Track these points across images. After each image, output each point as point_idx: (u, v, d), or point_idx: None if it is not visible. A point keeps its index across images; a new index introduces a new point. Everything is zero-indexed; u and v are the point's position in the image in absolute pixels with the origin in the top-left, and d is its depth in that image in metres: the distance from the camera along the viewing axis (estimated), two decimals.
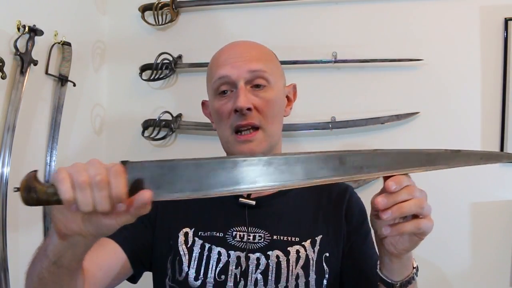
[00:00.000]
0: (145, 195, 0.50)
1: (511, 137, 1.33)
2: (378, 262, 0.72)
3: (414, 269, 0.70)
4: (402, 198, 0.58)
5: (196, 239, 0.84)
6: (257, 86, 0.82)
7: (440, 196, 1.37)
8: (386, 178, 0.59)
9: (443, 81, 1.39)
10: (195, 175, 0.52)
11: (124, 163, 0.51)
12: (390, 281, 0.68)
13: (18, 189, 0.50)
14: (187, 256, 0.83)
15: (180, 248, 0.84)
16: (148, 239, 0.87)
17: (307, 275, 0.79)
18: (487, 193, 1.35)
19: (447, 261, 1.36)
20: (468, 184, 1.36)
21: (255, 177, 0.52)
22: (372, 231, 0.80)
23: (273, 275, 0.79)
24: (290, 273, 0.79)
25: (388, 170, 0.57)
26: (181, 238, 0.84)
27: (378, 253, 0.71)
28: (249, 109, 0.79)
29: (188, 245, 0.84)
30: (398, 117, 1.39)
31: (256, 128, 0.81)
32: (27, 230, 1.26)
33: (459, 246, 1.36)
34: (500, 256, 1.33)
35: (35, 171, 0.52)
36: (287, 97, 0.92)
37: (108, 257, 0.80)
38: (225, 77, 0.82)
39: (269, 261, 0.80)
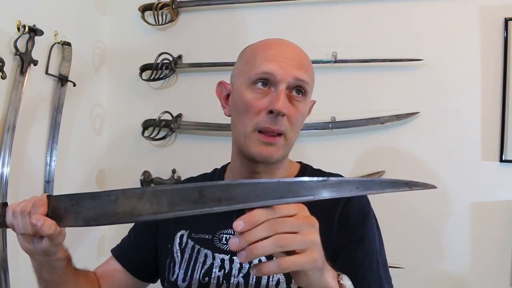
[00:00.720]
0: (46, 226, 0.60)
1: (511, 137, 1.33)
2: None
3: (340, 275, 0.61)
4: (257, 237, 0.50)
5: (189, 240, 0.85)
6: (297, 92, 0.80)
7: (440, 196, 1.37)
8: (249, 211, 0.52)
9: (443, 81, 1.39)
10: (92, 206, 0.58)
11: (48, 196, 0.62)
12: None
13: None
14: (179, 258, 0.84)
15: (175, 250, 0.85)
16: (150, 249, 0.90)
17: (288, 281, 0.77)
18: (487, 193, 1.35)
19: (447, 261, 1.36)
20: (468, 184, 1.35)
21: (133, 206, 0.56)
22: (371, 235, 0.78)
23: (254, 280, 0.77)
24: (271, 279, 0.77)
25: (247, 202, 0.52)
26: (177, 241, 0.86)
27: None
28: (283, 114, 0.76)
29: (182, 247, 0.85)
30: (398, 117, 1.39)
31: (280, 134, 0.79)
32: None
33: (459, 246, 1.36)
34: (500, 256, 1.33)
35: (5, 203, 0.67)
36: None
37: (111, 273, 0.90)
38: (270, 74, 0.77)
39: (251, 264, 0.77)
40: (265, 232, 0.50)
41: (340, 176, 0.87)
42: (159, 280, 0.92)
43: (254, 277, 0.77)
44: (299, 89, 0.79)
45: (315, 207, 0.81)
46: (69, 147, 1.44)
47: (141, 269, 0.90)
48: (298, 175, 0.89)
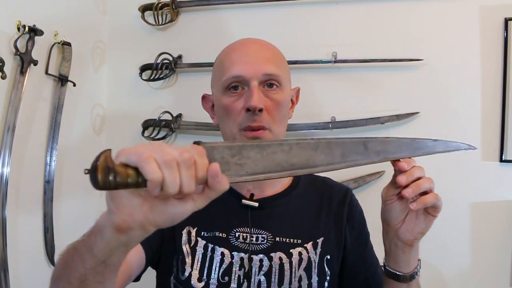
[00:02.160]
0: (215, 167, 0.48)
1: (511, 137, 1.33)
2: (384, 259, 0.75)
3: (419, 261, 0.77)
4: (417, 175, 0.66)
5: (199, 239, 0.84)
6: (270, 85, 0.82)
7: (440, 196, 1.37)
8: (394, 164, 0.66)
9: (443, 81, 1.39)
10: (259, 157, 0.53)
11: (198, 143, 0.51)
12: (401, 274, 0.74)
13: (90, 171, 0.45)
14: (190, 256, 0.82)
15: (184, 248, 0.83)
16: (158, 239, 0.88)
17: (309, 277, 0.79)
18: (487, 193, 1.35)
19: (447, 261, 1.36)
20: (468, 184, 1.35)
21: (308, 157, 0.56)
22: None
23: (276, 277, 0.79)
24: (293, 275, 0.79)
25: (396, 154, 0.64)
26: (184, 237, 0.84)
27: (385, 249, 0.75)
28: (260, 110, 0.79)
29: (191, 245, 0.83)
30: (398, 117, 1.39)
31: (264, 129, 0.81)
32: (27, 230, 1.26)
33: (459, 246, 1.36)
34: (500, 256, 1.33)
35: (109, 150, 0.46)
36: (291, 100, 0.92)
37: (132, 253, 0.79)
38: (239, 76, 0.80)
39: (272, 262, 0.80)
40: (419, 173, 0.67)
41: (329, 179, 0.97)
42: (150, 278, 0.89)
43: (276, 274, 0.79)
44: (271, 82, 0.82)
45: (327, 209, 0.88)
46: (69, 147, 1.44)
47: (153, 251, 0.85)
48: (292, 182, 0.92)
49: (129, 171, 0.45)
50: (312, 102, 1.46)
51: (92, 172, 0.45)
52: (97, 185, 0.44)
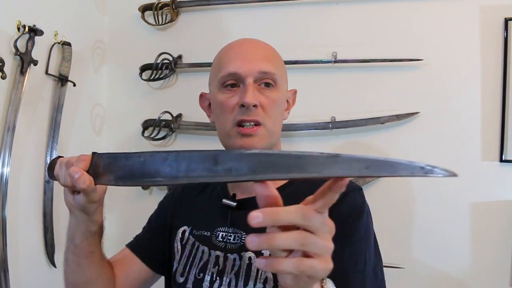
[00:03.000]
0: (72, 169, 0.62)
1: (511, 137, 1.33)
2: None
3: None
4: (279, 245, 0.45)
5: (190, 237, 0.87)
6: (266, 84, 0.82)
7: (440, 196, 1.37)
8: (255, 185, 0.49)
9: (443, 81, 1.39)
10: (124, 166, 0.58)
11: (94, 153, 0.63)
12: None
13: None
14: (179, 253, 0.86)
15: (176, 245, 0.88)
16: (160, 240, 0.93)
17: (276, 280, 0.75)
18: (487, 193, 1.34)
19: (447, 261, 1.36)
20: (468, 184, 1.35)
21: (155, 170, 0.56)
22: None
23: (243, 277, 0.78)
24: (259, 276, 0.77)
25: (254, 174, 0.48)
26: (178, 236, 0.89)
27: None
28: (255, 105, 0.79)
29: (183, 243, 0.87)
30: (398, 117, 1.39)
31: (258, 124, 0.81)
32: (27, 230, 1.26)
33: (459, 246, 1.36)
34: (500, 256, 1.33)
35: (61, 156, 0.71)
36: (287, 101, 0.91)
37: (125, 261, 0.91)
38: (235, 73, 0.81)
39: (242, 262, 0.79)
40: (291, 241, 0.45)
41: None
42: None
43: (243, 274, 0.77)
44: (267, 81, 0.82)
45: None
46: (69, 147, 1.44)
47: (154, 259, 0.92)
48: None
49: (50, 169, 0.71)
50: (312, 102, 1.46)
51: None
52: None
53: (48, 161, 1.33)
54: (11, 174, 1.15)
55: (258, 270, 0.78)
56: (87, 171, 0.62)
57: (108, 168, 0.59)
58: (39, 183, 1.31)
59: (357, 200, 0.83)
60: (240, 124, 0.80)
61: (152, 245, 0.93)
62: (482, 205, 1.35)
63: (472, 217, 1.36)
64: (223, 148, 0.88)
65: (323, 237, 0.46)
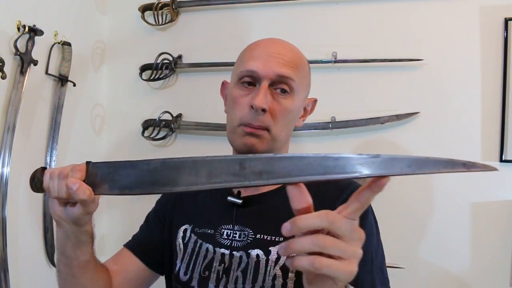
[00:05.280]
0: (71, 180, 0.59)
1: (511, 137, 1.33)
2: None
3: None
4: (308, 227, 0.48)
5: (192, 235, 0.86)
6: (282, 90, 0.81)
7: (440, 196, 1.37)
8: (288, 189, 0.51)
9: (443, 81, 1.39)
10: (129, 175, 0.57)
11: (88, 162, 0.61)
12: None
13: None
14: (182, 251, 0.86)
15: (177, 244, 0.87)
16: (158, 239, 0.92)
17: (285, 276, 0.77)
18: (487, 193, 1.34)
19: (447, 261, 1.36)
20: (468, 184, 1.35)
21: (170, 176, 0.56)
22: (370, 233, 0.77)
23: (251, 274, 0.78)
24: (268, 273, 0.78)
25: (289, 177, 0.49)
26: (180, 235, 0.88)
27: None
28: (264, 110, 0.78)
29: (185, 241, 0.87)
30: (398, 117, 1.39)
31: (264, 128, 0.80)
32: (27, 230, 1.26)
33: (459, 246, 1.36)
34: (500, 256, 1.32)
35: (45, 167, 0.66)
36: (305, 108, 0.91)
37: (123, 263, 0.89)
38: (253, 72, 0.80)
39: (249, 259, 0.79)
40: (309, 244, 0.47)
41: None
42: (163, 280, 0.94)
43: (252, 272, 0.78)
44: (283, 87, 0.81)
45: (318, 198, 0.78)
46: (69, 147, 1.44)
47: (152, 258, 0.91)
48: None
49: (37, 181, 0.65)
50: None
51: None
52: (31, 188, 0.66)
53: (48, 161, 1.33)
54: (11, 174, 1.15)
55: (266, 267, 0.78)
56: (83, 181, 0.60)
57: (108, 177, 0.58)
58: None
59: None
60: (245, 124, 0.80)
61: (150, 244, 0.92)
62: (482, 205, 1.35)
63: (472, 217, 1.36)
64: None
65: (349, 242, 0.48)
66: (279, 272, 0.77)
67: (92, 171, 0.59)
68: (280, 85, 0.80)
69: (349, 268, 0.48)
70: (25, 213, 1.25)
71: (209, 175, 0.52)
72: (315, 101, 0.94)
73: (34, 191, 0.66)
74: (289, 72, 0.80)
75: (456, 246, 1.36)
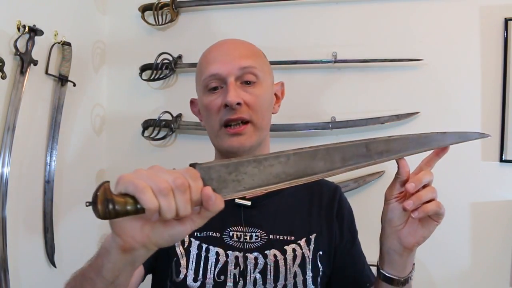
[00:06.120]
0: (208, 191, 0.50)
1: (511, 137, 1.33)
2: (378, 261, 0.73)
3: (414, 265, 0.75)
4: (425, 181, 0.66)
5: (193, 239, 0.84)
6: (247, 82, 0.83)
7: (440, 196, 1.36)
8: (398, 162, 0.67)
9: (443, 81, 1.39)
10: (256, 171, 0.54)
11: (193, 165, 0.52)
12: (396, 277, 0.72)
13: (91, 203, 0.48)
14: (184, 258, 0.83)
15: (178, 250, 0.84)
16: None
17: (304, 273, 0.80)
18: (487, 193, 1.35)
19: (447, 261, 1.36)
20: (468, 184, 1.35)
21: (306, 166, 0.57)
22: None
23: (272, 274, 0.79)
24: (288, 272, 0.80)
25: (400, 153, 0.64)
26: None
27: (381, 252, 0.74)
28: (238, 103, 0.80)
29: (185, 246, 0.84)
30: (398, 117, 1.39)
31: (245, 122, 0.82)
32: (27, 230, 1.26)
33: (459, 246, 1.36)
34: (500, 256, 1.33)
35: (107, 182, 0.49)
36: (275, 94, 0.92)
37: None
38: (216, 74, 0.82)
39: (267, 260, 0.80)
40: (429, 194, 0.66)
41: None
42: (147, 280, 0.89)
43: (272, 272, 0.80)
44: (249, 78, 0.83)
45: (318, 206, 0.88)
46: (69, 147, 1.44)
47: (149, 262, 0.83)
48: None
49: (128, 200, 0.48)
50: (312, 102, 1.46)
51: (93, 204, 0.47)
52: (99, 215, 0.47)
53: (48, 161, 1.33)
54: (11, 174, 1.15)
55: (286, 265, 0.80)
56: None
57: (230, 178, 0.53)
58: (39, 183, 1.31)
59: (347, 202, 0.95)
60: (227, 124, 0.82)
61: None
62: (482, 205, 1.35)
63: (472, 217, 1.36)
64: (215, 149, 0.91)
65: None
66: (298, 270, 0.80)
67: (209, 175, 0.52)
68: (245, 76, 0.83)
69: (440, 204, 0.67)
70: (25, 213, 1.25)
71: (343, 159, 0.59)
72: (282, 84, 0.96)
73: (105, 218, 0.48)
74: (250, 61, 0.83)
75: (456, 246, 1.36)
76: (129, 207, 0.47)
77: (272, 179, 0.54)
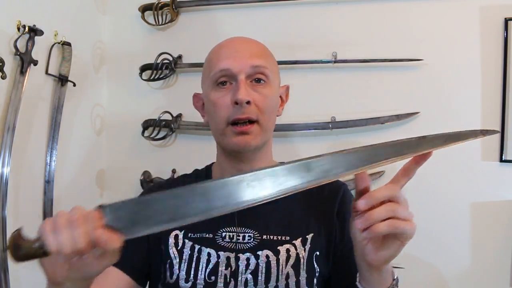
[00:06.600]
0: (99, 234, 0.52)
1: (511, 137, 1.33)
2: (358, 274, 0.70)
3: (394, 281, 0.70)
4: (381, 198, 0.58)
5: (186, 241, 0.84)
6: (257, 80, 0.82)
7: (440, 196, 1.37)
8: (357, 176, 0.61)
9: (443, 81, 1.39)
10: (170, 207, 0.53)
11: (100, 207, 0.53)
12: None
13: (6, 248, 0.52)
14: (177, 259, 0.83)
15: (171, 251, 0.83)
16: (144, 250, 0.86)
17: (297, 274, 0.79)
18: (487, 193, 1.35)
19: (447, 261, 1.36)
20: (468, 184, 1.35)
21: (228, 197, 0.53)
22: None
23: (263, 275, 0.78)
24: (280, 273, 0.79)
25: (357, 168, 0.58)
26: (171, 241, 0.84)
27: (357, 266, 0.69)
28: (248, 102, 0.79)
29: (178, 248, 0.83)
30: (398, 117, 1.39)
31: (252, 121, 0.81)
32: (27, 230, 1.26)
33: (459, 246, 1.36)
34: (500, 256, 1.33)
35: (20, 228, 0.54)
36: (280, 97, 0.92)
37: (113, 285, 0.82)
38: (227, 70, 0.81)
39: (259, 261, 0.79)
40: (384, 212, 0.57)
41: None
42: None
43: (263, 273, 0.79)
44: (259, 77, 0.82)
45: (317, 205, 0.85)
46: (69, 147, 1.44)
47: (141, 271, 0.86)
48: None
49: (34, 245, 0.54)
50: (312, 102, 1.46)
51: (7, 249, 0.54)
52: (12, 259, 0.53)
53: (48, 161, 1.33)
54: (11, 174, 1.15)
55: (278, 266, 0.79)
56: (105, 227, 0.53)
57: (139, 215, 0.52)
58: (39, 183, 1.31)
59: (351, 197, 0.89)
60: (234, 122, 0.81)
61: (138, 257, 0.85)
62: (482, 205, 1.35)
63: (472, 217, 1.36)
64: (217, 147, 0.89)
65: (405, 206, 0.59)
66: (291, 271, 0.78)
67: (111, 215, 0.52)
68: (256, 75, 0.82)
69: (413, 226, 0.58)
70: (25, 213, 1.25)
71: (275, 184, 0.55)
72: (287, 88, 0.95)
73: (18, 261, 0.53)
74: (261, 61, 0.82)
75: (456, 246, 1.36)
76: (36, 251, 0.53)
77: (187, 214, 0.53)
